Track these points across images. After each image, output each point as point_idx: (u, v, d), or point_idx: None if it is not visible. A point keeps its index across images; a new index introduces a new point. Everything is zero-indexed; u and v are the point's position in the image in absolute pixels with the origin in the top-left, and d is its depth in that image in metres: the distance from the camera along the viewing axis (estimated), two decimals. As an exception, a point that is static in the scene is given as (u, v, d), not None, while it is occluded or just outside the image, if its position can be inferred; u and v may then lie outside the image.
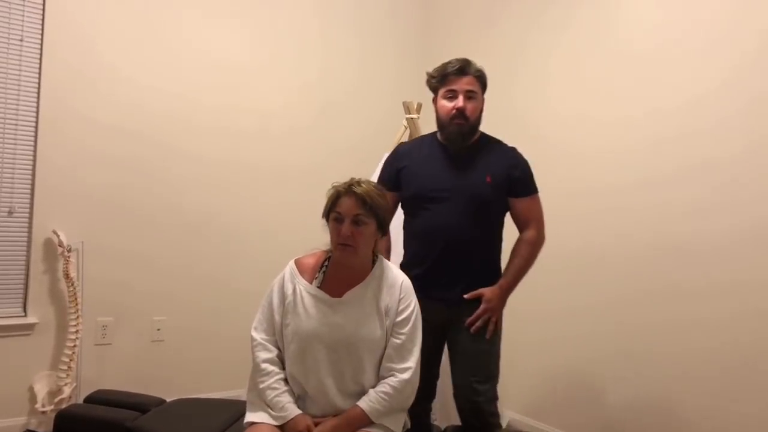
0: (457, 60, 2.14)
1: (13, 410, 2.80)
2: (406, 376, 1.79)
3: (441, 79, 2.16)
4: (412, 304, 1.87)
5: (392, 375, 1.80)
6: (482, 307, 2.10)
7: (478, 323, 2.10)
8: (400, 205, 2.29)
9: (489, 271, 2.20)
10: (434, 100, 2.23)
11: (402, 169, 2.24)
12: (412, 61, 3.97)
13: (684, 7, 2.60)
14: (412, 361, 1.81)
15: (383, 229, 1.87)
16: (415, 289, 2.10)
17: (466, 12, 3.77)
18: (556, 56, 3.16)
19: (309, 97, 3.61)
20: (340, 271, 1.87)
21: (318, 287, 1.85)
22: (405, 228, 2.28)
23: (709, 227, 2.47)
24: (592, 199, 2.92)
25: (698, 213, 2.50)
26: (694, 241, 2.51)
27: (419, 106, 3.05)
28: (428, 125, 3.14)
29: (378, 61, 3.87)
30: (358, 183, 1.83)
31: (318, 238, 1.92)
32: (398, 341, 1.82)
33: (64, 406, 2.73)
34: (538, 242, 2.20)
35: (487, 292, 2.11)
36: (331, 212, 1.82)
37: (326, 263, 1.90)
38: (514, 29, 3.43)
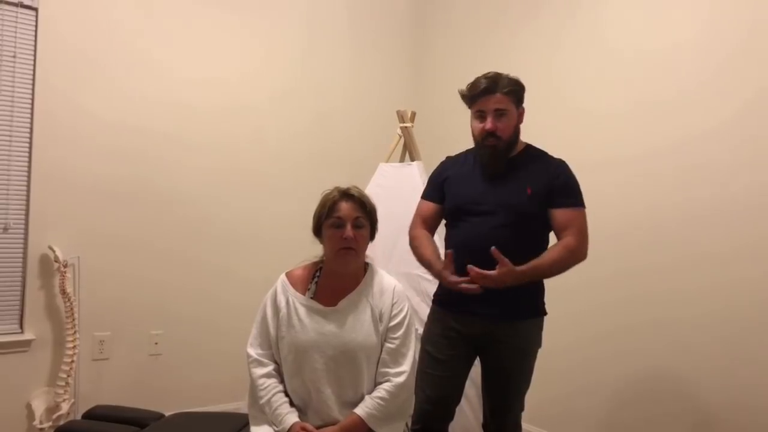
0: (486, 78, 2.03)
1: (11, 428, 2.78)
2: (401, 379, 1.80)
3: (470, 99, 2.07)
4: (405, 309, 1.87)
5: (387, 380, 1.80)
6: (488, 274, 1.87)
7: (472, 274, 1.87)
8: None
9: (529, 289, 2.03)
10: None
11: (445, 180, 2.19)
12: (405, 70, 3.99)
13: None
14: (407, 365, 1.82)
15: (374, 233, 1.90)
16: (450, 304, 2.08)
17: (459, 20, 3.78)
18: (552, 60, 3.18)
19: (303, 107, 3.62)
20: (333, 281, 1.87)
21: (311, 298, 1.86)
22: (446, 241, 2.16)
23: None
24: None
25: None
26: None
27: (413, 114, 3.05)
28: (422, 134, 3.16)
29: (371, 70, 3.89)
30: (349, 188, 1.86)
31: (312, 249, 1.92)
32: (392, 345, 1.82)
33: (62, 422, 2.70)
34: (575, 251, 1.97)
35: (501, 270, 1.86)
36: (329, 218, 1.82)
37: (317, 274, 1.90)
38: (505, 36, 3.44)
